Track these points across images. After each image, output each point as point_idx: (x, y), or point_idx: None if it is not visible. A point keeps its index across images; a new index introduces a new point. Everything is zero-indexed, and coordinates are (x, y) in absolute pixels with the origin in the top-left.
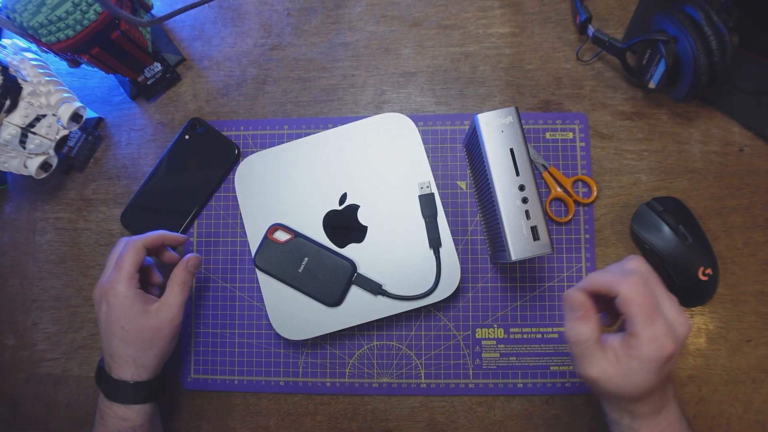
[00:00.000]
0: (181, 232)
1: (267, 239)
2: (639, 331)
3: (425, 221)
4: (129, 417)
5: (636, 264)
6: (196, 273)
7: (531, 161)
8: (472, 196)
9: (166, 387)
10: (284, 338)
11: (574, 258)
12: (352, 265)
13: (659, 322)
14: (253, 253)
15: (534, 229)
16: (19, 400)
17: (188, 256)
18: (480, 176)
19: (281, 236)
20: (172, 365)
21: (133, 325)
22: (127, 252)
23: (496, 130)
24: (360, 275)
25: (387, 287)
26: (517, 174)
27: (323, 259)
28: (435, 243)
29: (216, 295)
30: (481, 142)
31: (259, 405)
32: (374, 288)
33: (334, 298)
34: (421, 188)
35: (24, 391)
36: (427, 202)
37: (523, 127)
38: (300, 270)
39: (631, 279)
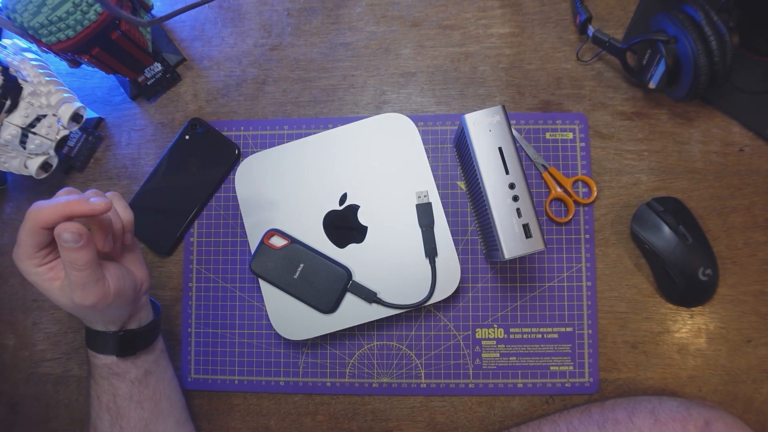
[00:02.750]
0: (181, 233)
1: (263, 244)
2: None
3: (422, 230)
4: (109, 363)
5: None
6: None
7: (520, 159)
8: None
9: (137, 345)
10: (284, 338)
11: (574, 258)
12: (348, 273)
13: None
14: (252, 254)
15: (526, 227)
16: (19, 400)
17: (61, 228)
18: (470, 176)
19: (277, 242)
20: (173, 365)
21: (53, 297)
22: (22, 228)
23: (484, 129)
24: (355, 283)
25: (382, 293)
26: (507, 172)
27: (319, 266)
28: (431, 253)
29: (216, 296)
30: (469, 142)
31: (260, 405)
32: (369, 296)
33: (328, 306)
34: (419, 197)
35: (24, 391)
36: (424, 212)
37: (512, 125)
38: (295, 276)
39: None
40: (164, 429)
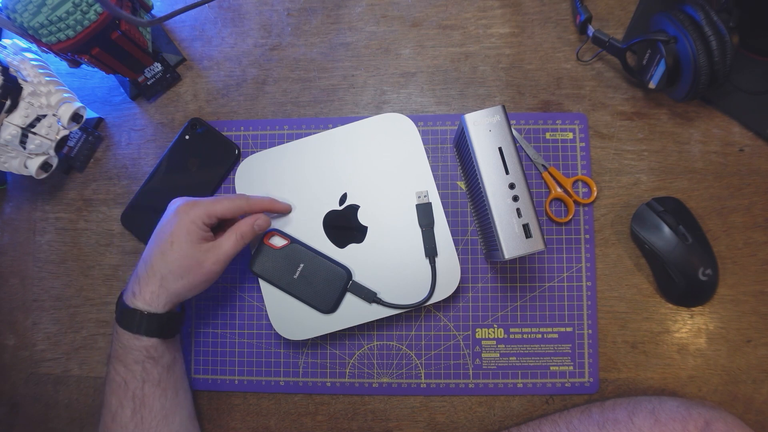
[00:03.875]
0: None
1: (263, 245)
2: None
3: (422, 230)
4: (148, 346)
5: None
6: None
7: (520, 159)
8: None
9: (176, 327)
10: (284, 338)
11: (574, 258)
12: (348, 273)
13: None
14: (252, 254)
15: (526, 227)
16: (19, 400)
17: (260, 215)
18: (470, 176)
19: (277, 242)
20: None
21: (182, 249)
22: (232, 201)
23: (484, 129)
24: (355, 283)
25: (382, 293)
26: (507, 172)
27: (319, 266)
28: (431, 252)
29: (216, 295)
30: (469, 142)
31: (259, 405)
32: (369, 296)
33: (328, 306)
34: (419, 197)
35: (24, 391)
36: (424, 212)
37: (512, 125)
38: (295, 276)
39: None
40: (180, 420)
